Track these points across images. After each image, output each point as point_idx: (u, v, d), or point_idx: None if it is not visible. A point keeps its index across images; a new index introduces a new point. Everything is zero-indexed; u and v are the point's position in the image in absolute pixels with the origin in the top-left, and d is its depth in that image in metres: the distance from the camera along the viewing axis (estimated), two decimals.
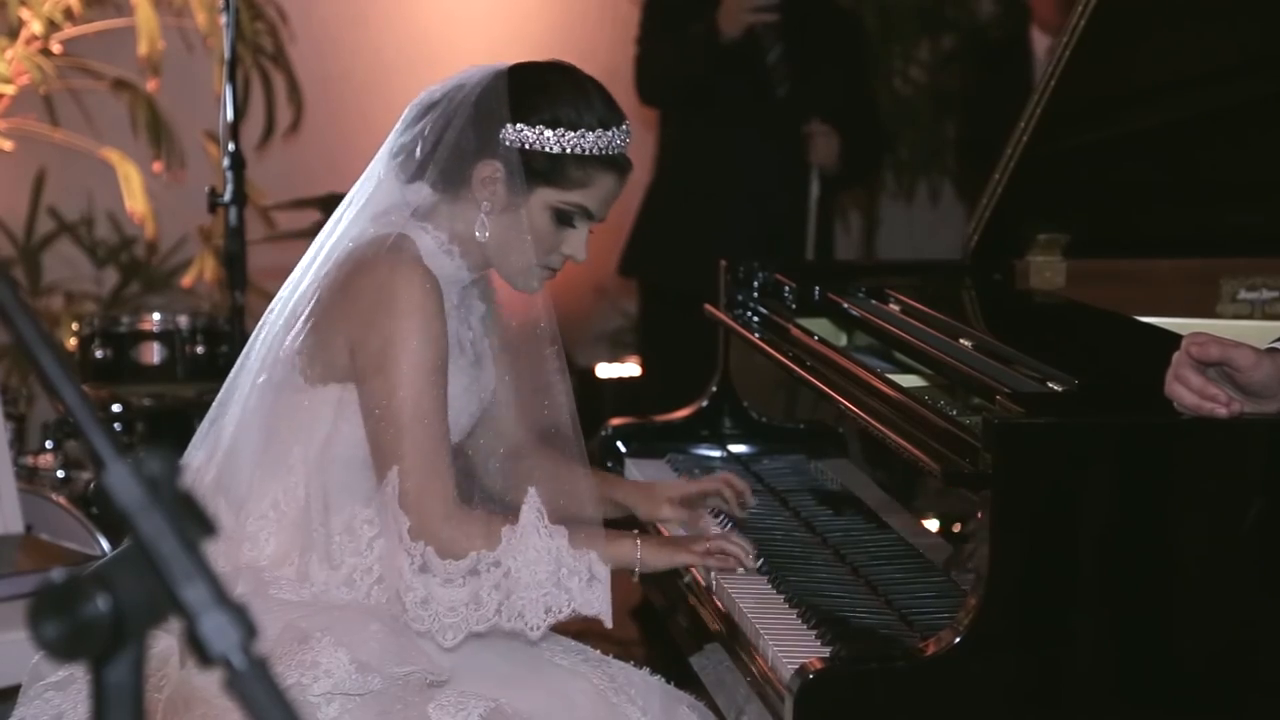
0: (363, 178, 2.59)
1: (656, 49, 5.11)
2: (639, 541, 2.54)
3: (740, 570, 2.58)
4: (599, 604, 2.40)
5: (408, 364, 2.41)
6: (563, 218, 2.52)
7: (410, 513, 2.40)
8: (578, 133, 2.49)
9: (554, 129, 2.48)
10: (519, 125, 2.48)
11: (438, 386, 2.44)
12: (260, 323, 2.60)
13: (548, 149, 2.48)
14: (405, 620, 2.40)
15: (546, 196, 2.50)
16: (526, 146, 2.48)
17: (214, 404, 2.60)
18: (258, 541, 2.47)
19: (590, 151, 2.49)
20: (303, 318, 2.51)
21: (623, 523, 2.78)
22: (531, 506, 2.41)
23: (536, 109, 2.49)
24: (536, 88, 2.51)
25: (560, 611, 2.38)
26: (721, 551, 2.58)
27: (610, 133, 2.51)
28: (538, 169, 2.49)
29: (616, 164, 2.53)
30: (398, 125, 2.57)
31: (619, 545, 2.52)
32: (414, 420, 2.41)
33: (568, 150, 2.48)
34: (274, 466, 2.49)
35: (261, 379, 2.52)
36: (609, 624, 2.41)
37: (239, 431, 2.52)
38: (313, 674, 2.32)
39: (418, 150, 2.52)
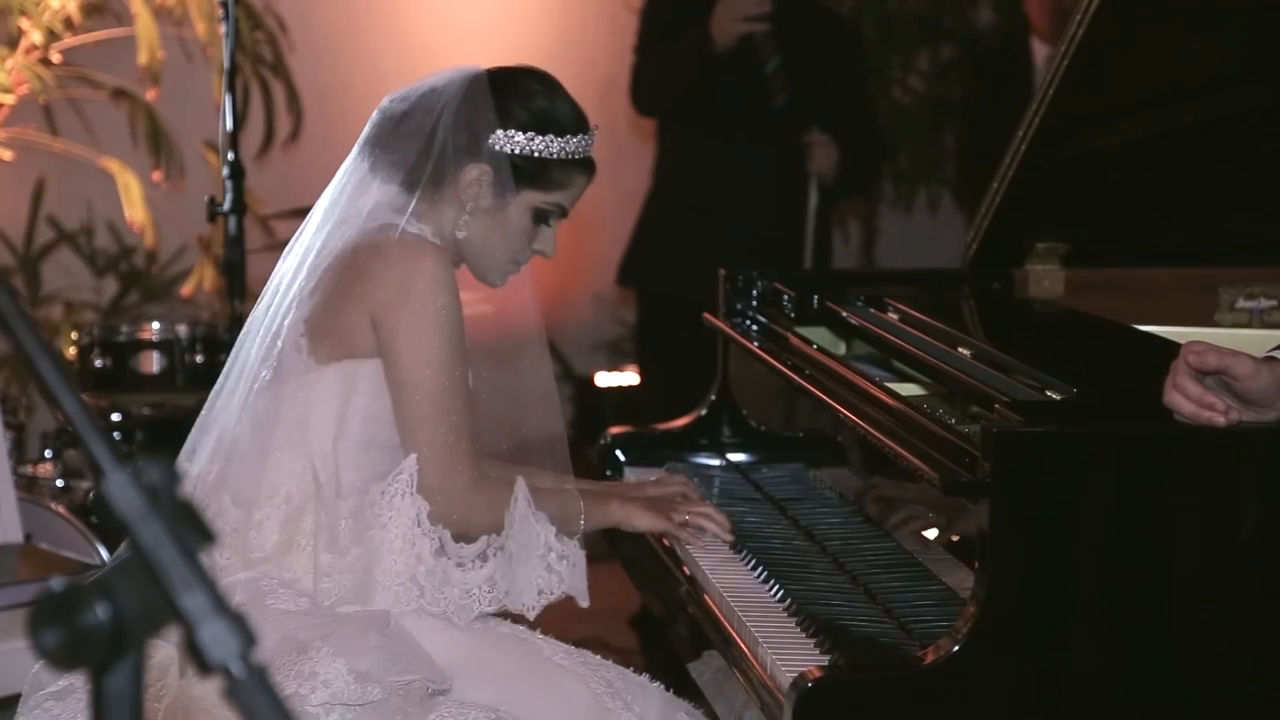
0: (334, 184, 2.66)
1: (651, 60, 5.11)
2: (622, 504, 2.75)
3: (717, 541, 2.74)
4: (580, 585, 2.54)
5: (433, 339, 2.50)
6: (540, 217, 2.65)
7: (433, 492, 2.49)
8: (563, 138, 2.62)
9: (542, 134, 2.60)
10: (509, 131, 2.59)
11: (460, 360, 2.54)
12: (247, 328, 2.64)
13: (535, 154, 2.60)
14: (422, 605, 2.45)
15: (530, 198, 2.63)
16: (516, 151, 2.60)
17: (204, 408, 2.62)
18: (263, 529, 2.49)
19: (573, 155, 2.63)
20: (309, 300, 2.55)
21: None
22: (522, 495, 2.51)
23: (519, 113, 2.61)
24: (517, 92, 2.63)
25: (551, 593, 2.52)
26: (699, 527, 2.76)
27: (586, 136, 2.65)
28: (524, 172, 2.61)
29: (589, 166, 2.68)
30: (368, 130, 2.65)
31: (606, 507, 2.72)
32: (441, 393, 2.50)
33: (554, 155, 2.61)
34: (285, 457, 2.52)
35: (264, 372, 2.56)
36: (585, 603, 2.55)
37: (242, 426, 2.55)
38: (311, 684, 2.32)
39: (401, 154, 2.60)
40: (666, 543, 2.79)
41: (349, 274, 2.55)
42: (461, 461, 2.53)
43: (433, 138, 2.58)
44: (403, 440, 2.52)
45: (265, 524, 2.50)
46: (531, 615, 2.52)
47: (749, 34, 4.97)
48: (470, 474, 2.53)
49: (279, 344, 2.55)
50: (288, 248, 2.68)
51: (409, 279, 2.51)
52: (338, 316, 2.54)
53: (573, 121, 2.64)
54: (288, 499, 2.50)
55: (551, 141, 2.60)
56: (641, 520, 2.76)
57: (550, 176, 2.62)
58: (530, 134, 2.60)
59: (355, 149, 2.65)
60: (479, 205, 2.61)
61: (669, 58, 5.05)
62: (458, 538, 2.50)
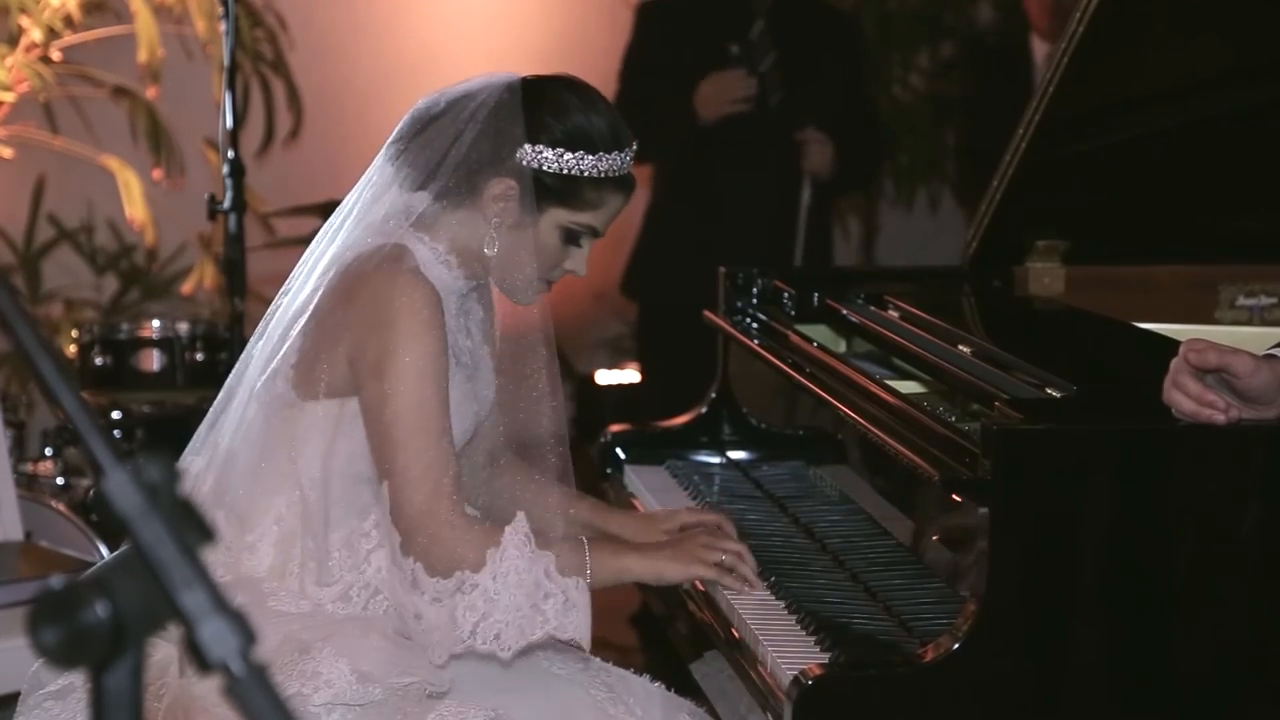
0: (360, 184, 2.56)
1: (633, 121, 5.01)
2: (641, 558, 2.50)
3: (745, 589, 2.53)
4: (574, 629, 2.35)
5: (406, 373, 2.38)
6: (570, 237, 2.51)
7: (406, 526, 2.37)
8: (595, 155, 2.47)
9: (572, 151, 2.46)
10: (538, 146, 2.45)
11: (438, 395, 2.40)
12: (258, 331, 2.59)
13: (565, 171, 2.46)
14: (409, 632, 2.40)
15: (558, 216, 2.49)
16: (544, 168, 2.46)
17: (212, 409, 2.59)
18: (256, 552, 2.47)
19: (605, 174, 2.48)
20: (297, 332, 2.48)
21: None
22: (518, 530, 2.36)
23: (551, 128, 2.47)
24: (551, 106, 2.48)
25: (534, 634, 2.34)
26: (734, 570, 2.52)
27: (623, 154, 2.50)
28: (553, 189, 2.47)
29: (626, 184, 2.52)
30: (397, 131, 2.54)
31: (621, 561, 2.48)
32: (414, 429, 2.38)
33: (585, 173, 2.47)
34: (276, 480, 2.47)
35: (259, 389, 2.50)
36: (587, 649, 2.40)
37: (235, 442, 2.51)
38: (313, 684, 2.32)
39: (424, 160, 2.48)
40: (700, 586, 2.59)
41: (338, 307, 2.45)
42: (438, 495, 2.37)
43: (456, 145, 2.46)
44: (378, 470, 2.41)
45: (259, 546, 2.46)
46: (506, 656, 2.33)
47: (744, 45, 4.95)
48: (448, 509, 2.37)
49: (276, 359, 2.49)
50: (312, 244, 2.59)
51: (389, 314, 2.39)
52: (325, 353, 2.45)
53: (608, 138, 2.48)
54: (278, 520, 2.46)
55: (582, 159, 2.46)
56: (674, 573, 2.50)
57: (580, 195, 2.48)
58: (560, 150, 2.45)
59: (383, 150, 2.55)
60: (504, 221, 2.48)
61: (651, 123, 4.85)
62: (432, 572, 2.36)
